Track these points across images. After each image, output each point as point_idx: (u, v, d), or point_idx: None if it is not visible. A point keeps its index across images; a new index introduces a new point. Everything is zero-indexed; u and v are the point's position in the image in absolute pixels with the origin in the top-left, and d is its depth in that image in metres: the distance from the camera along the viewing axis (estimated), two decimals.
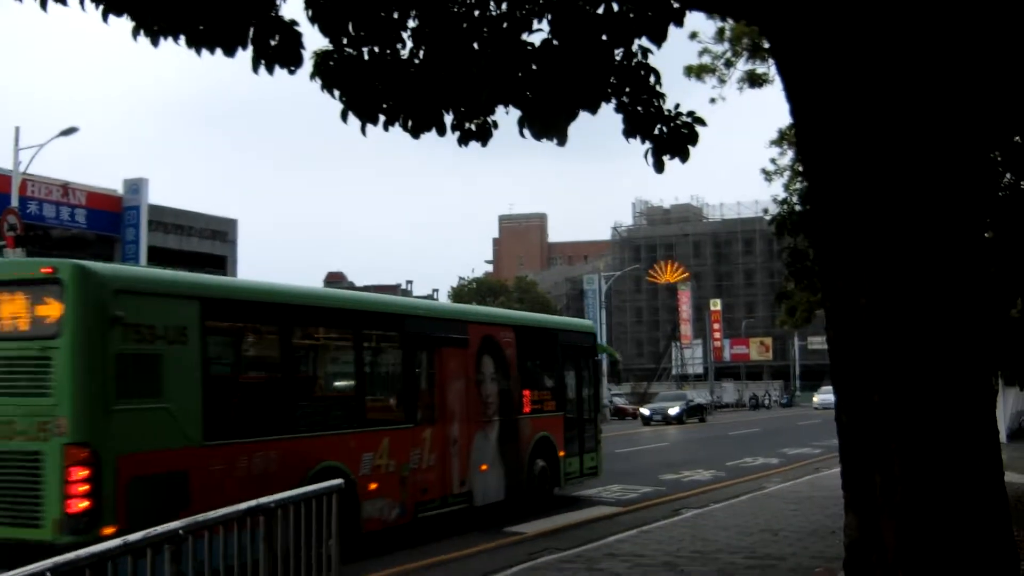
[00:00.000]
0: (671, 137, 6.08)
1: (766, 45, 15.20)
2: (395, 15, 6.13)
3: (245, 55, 5.93)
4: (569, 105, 5.38)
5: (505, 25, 5.87)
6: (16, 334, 9.56)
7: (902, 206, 4.18)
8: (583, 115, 5.66)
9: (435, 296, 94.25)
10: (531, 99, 5.38)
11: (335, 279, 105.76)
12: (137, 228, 34.43)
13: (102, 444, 9.14)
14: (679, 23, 5.79)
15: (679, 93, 6.08)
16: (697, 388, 77.64)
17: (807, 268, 15.61)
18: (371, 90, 6.08)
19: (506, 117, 6.21)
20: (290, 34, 5.99)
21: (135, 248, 34.22)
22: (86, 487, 8.94)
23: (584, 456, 17.95)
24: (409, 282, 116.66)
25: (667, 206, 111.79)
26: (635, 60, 5.94)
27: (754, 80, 16.38)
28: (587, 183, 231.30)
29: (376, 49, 6.14)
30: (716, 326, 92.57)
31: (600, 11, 5.65)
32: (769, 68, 16.19)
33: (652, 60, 6.04)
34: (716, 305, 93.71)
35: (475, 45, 5.91)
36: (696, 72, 16.22)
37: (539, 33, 5.67)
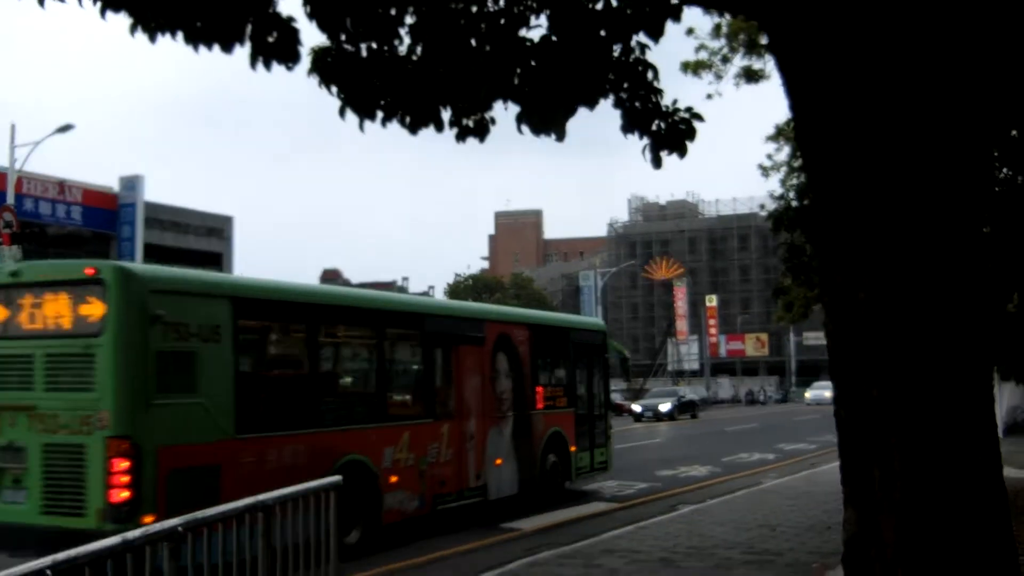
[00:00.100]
0: (669, 133, 6.06)
1: (763, 41, 15.20)
2: (392, 11, 6.13)
3: (242, 51, 5.93)
4: (568, 101, 5.38)
5: (503, 21, 5.86)
6: (60, 332, 10.08)
7: (901, 200, 4.18)
8: (579, 111, 5.66)
9: (431, 293, 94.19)
10: (530, 95, 5.37)
11: (331, 276, 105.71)
12: (133, 225, 34.40)
13: (143, 437, 9.60)
14: (676, 19, 5.79)
15: (675, 89, 6.07)
16: (693, 384, 77.71)
17: (804, 263, 15.65)
18: (369, 86, 6.08)
19: (503, 113, 6.21)
20: (287, 30, 5.97)
21: (131, 245, 34.20)
22: (127, 478, 9.38)
23: (595, 451, 18.41)
24: (405, 279, 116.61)
25: (663, 202, 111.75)
26: (633, 56, 5.93)
27: (751, 76, 16.40)
28: (583, 180, 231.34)
29: (374, 45, 6.13)
30: (712, 322, 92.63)
31: (598, 7, 5.65)
32: (766, 64, 16.22)
33: (649, 56, 6.04)
34: (712, 301, 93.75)
35: (472, 42, 5.91)
36: (693, 68, 16.24)
37: (538, 29, 5.67)
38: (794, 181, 17.46)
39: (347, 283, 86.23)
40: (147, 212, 35.02)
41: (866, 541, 4.24)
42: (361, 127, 6.15)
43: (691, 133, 6.11)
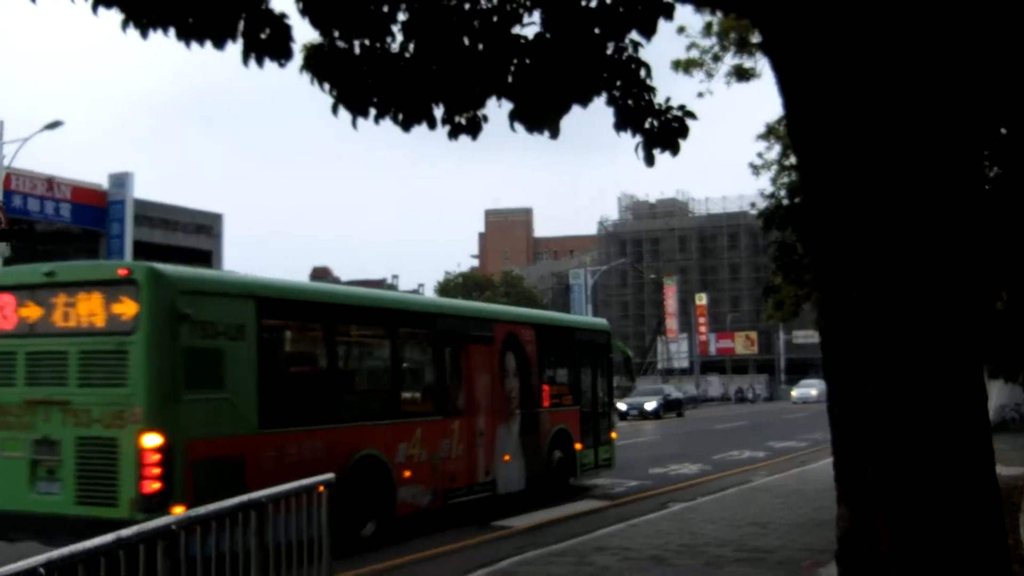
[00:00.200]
0: (662, 131, 6.06)
1: (754, 39, 15.22)
2: (385, 8, 6.12)
3: (234, 48, 5.91)
4: (562, 98, 5.38)
5: (495, 19, 5.86)
6: (93, 330, 10.47)
7: (895, 198, 4.18)
8: (571, 109, 5.66)
9: (421, 291, 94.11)
10: (524, 92, 5.37)
11: (321, 274, 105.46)
12: (122, 223, 34.30)
13: (173, 431, 10.01)
14: (669, 16, 5.79)
15: (666, 87, 6.08)
16: (683, 382, 77.79)
17: (795, 262, 15.68)
18: (362, 83, 6.07)
19: (494, 111, 6.21)
20: (280, 27, 5.96)
21: (120, 243, 34.10)
22: (159, 470, 9.81)
23: (599, 448, 18.91)
24: (395, 277, 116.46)
25: (653, 200, 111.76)
26: (626, 54, 5.94)
27: (741, 74, 16.41)
28: (573, 178, 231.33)
29: (367, 42, 6.12)
30: (702, 320, 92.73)
31: (591, 4, 5.65)
32: (757, 62, 16.23)
33: (640, 54, 6.04)
34: (702, 299, 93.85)
35: (465, 40, 5.90)
36: (684, 66, 16.24)
37: (532, 27, 5.67)
38: (785, 180, 17.48)
39: (337, 281, 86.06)
40: (136, 209, 34.91)
41: (859, 538, 4.24)
42: (354, 124, 6.14)
43: (684, 131, 6.11)
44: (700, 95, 16.70)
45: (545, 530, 13.74)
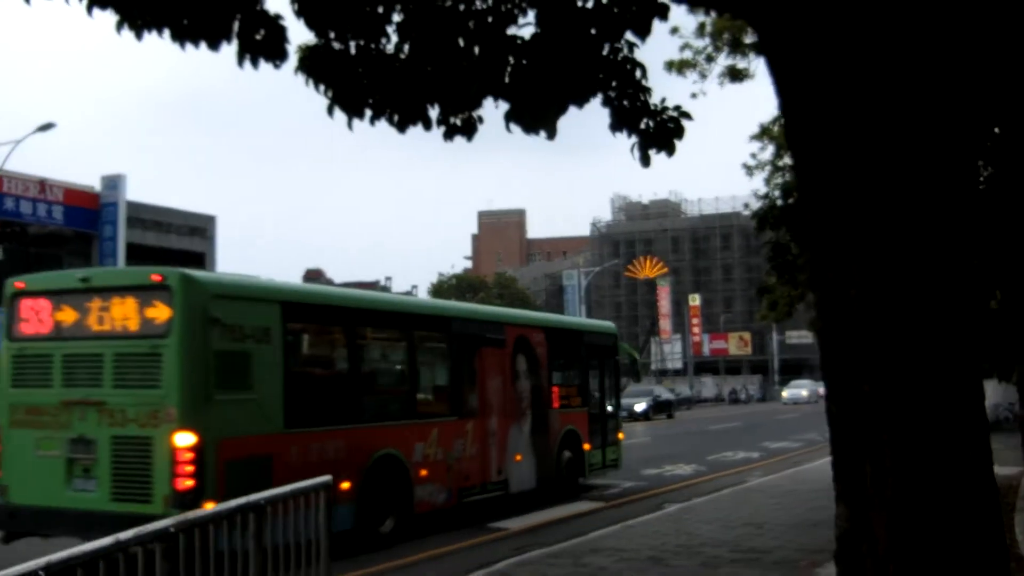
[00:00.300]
0: (657, 131, 6.06)
1: (747, 40, 15.25)
2: (380, 9, 6.11)
3: (229, 49, 5.90)
4: (559, 99, 5.38)
5: (490, 19, 5.86)
6: (127, 333, 10.86)
7: (892, 198, 4.19)
8: (567, 110, 5.66)
9: (414, 292, 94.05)
10: (521, 93, 5.37)
11: (314, 276, 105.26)
12: (115, 225, 34.22)
13: (205, 430, 10.36)
14: (664, 17, 5.80)
15: (660, 88, 6.08)
16: (677, 383, 77.83)
17: (789, 262, 15.71)
18: (357, 84, 6.06)
19: (488, 112, 6.20)
20: (275, 28, 5.95)
21: (112, 245, 34.02)
22: (192, 467, 10.18)
23: (607, 449, 19.19)
24: (388, 278, 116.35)
25: (645, 201, 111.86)
26: (621, 54, 5.94)
27: (735, 75, 16.45)
28: (565, 179, 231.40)
29: (362, 43, 6.12)
30: (695, 321, 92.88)
31: (586, 5, 5.65)
32: (750, 63, 16.28)
33: (635, 55, 6.04)
34: (695, 300, 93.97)
35: (460, 40, 5.90)
36: (677, 67, 16.28)
37: (528, 28, 5.67)
38: (779, 180, 17.53)
39: (330, 283, 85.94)
40: (129, 211, 34.82)
41: (858, 537, 4.24)
42: (350, 125, 6.13)
43: (679, 131, 6.11)
44: (693, 96, 16.76)
45: (541, 531, 13.74)
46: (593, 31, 5.58)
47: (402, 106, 6.13)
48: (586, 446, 18.20)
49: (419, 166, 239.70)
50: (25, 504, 11.07)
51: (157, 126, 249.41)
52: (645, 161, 6.08)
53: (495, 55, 5.51)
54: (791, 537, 12.09)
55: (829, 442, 4.43)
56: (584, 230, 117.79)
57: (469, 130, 6.34)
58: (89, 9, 5.57)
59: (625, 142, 6.11)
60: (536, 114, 5.35)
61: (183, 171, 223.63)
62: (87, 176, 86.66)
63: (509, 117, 5.45)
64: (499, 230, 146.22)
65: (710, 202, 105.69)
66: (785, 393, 74.80)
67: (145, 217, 36.43)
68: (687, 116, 6.11)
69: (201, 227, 39.44)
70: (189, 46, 5.79)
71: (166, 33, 5.74)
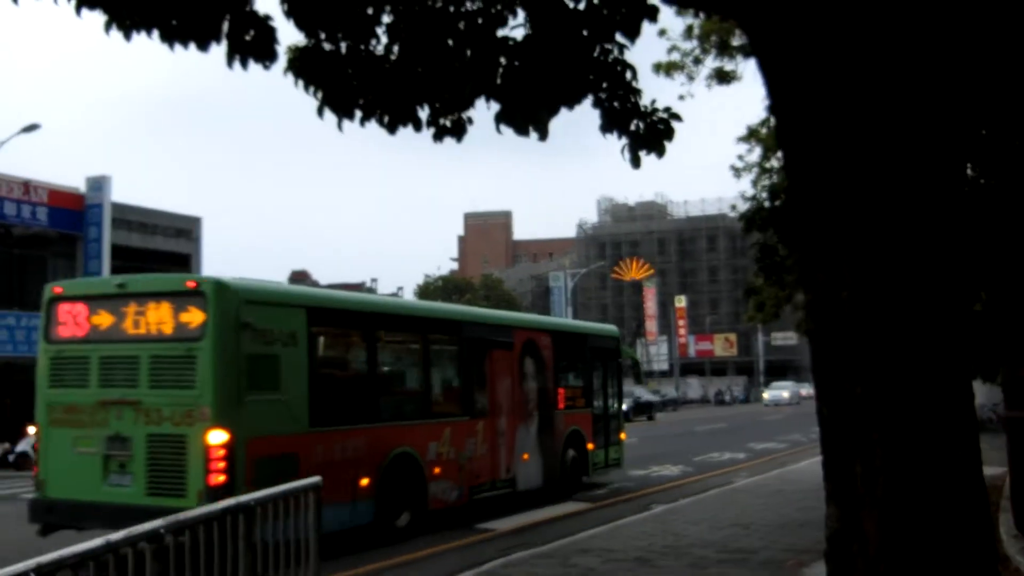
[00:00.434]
0: (648, 132, 6.09)
1: (735, 42, 15.30)
2: (369, 10, 6.11)
3: (218, 50, 5.89)
4: (551, 100, 5.39)
5: (480, 21, 5.87)
6: (162, 336, 11.44)
7: (882, 199, 4.21)
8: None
9: (400, 294, 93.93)
10: (513, 94, 5.38)
11: (300, 277, 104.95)
12: (100, 226, 34.00)
13: (237, 429, 10.93)
14: (653, 19, 5.82)
15: (648, 90, 6.09)
16: (663, 384, 77.92)
17: (776, 263, 15.75)
18: (347, 85, 6.06)
19: (476, 114, 6.22)
20: (264, 29, 5.95)
21: (97, 247, 33.82)
22: (224, 464, 10.75)
23: (609, 448, 19.81)
24: (374, 280, 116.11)
25: (632, 203, 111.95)
26: (612, 56, 5.96)
27: (722, 77, 16.50)
28: (551, 181, 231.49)
29: (352, 44, 6.12)
30: (681, 322, 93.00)
31: (577, 7, 5.67)
32: (737, 65, 16.32)
33: (624, 56, 6.05)
34: (681, 302, 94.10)
35: (450, 42, 5.90)
36: (665, 69, 16.32)
37: (519, 29, 5.68)
38: (766, 182, 17.58)
39: (316, 284, 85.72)
40: (114, 213, 34.60)
41: (848, 537, 4.26)
42: (340, 126, 6.14)
43: (669, 133, 6.14)
44: (681, 98, 16.80)
45: (529, 532, 13.74)
46: (584, 32, 5.60)
47: (392, 107, 6.14)
48: (590, 446, 18.76)
49: (405, 168, 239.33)
50: (62, 498, 11.69)
51: (143, 128, 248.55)
52: (635, 162, 6.10)
53: (487, 56, 5.52)
54: (778, 537, 12.12)
55: (820, 442, 4.45)
56: (570, 232, 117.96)
57: (459, 131, 6.37)
58: (78, 9, 5.56)
59: (612, 144, 6.19)
60: (528, 115, 5.37)
61: (169, 173, 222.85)
62: (71, 177, 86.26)
63: (500, 118, 5.46)
64: (485, 232, 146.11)
65: (696, 204, 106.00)
66: (766, 395, 74.98)
67: (130, 218, 36.25)
68: (677, 118, 6.13)
69: (187, 229, 39.25)
70: (178, 47, 5.78)
71: (155, 34, 5.74)
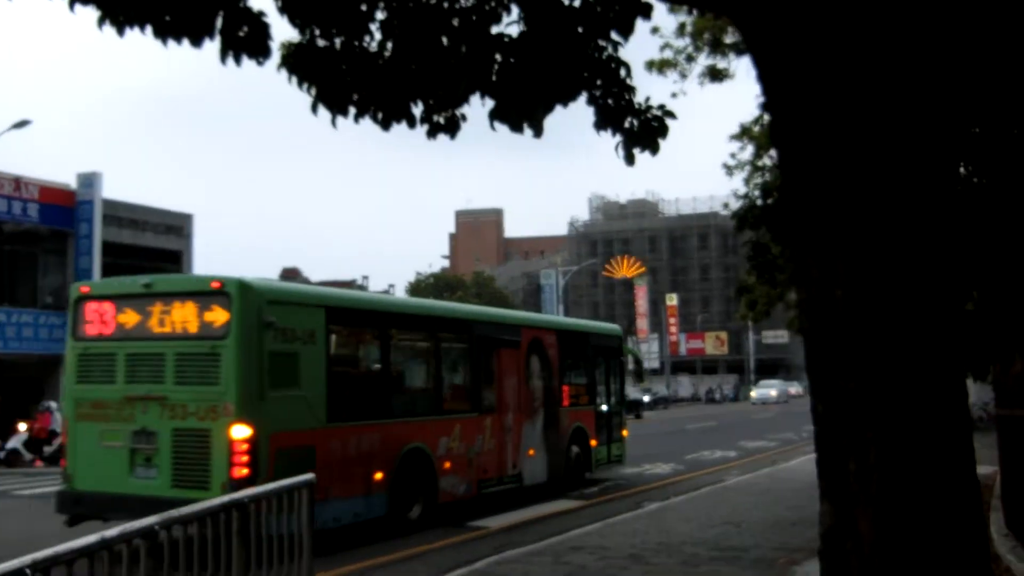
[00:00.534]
0: (642, 130, 6.09)
1: (727, 40, 15.31)
2: (363, 7, 6.10)
3: (212, 46, 5.87)
4: (546, 97, 5.39)
5: (474, 18, 5.86)
6: (187, 335, 11.85)
7: (877, 196, 4.22)
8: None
9: (391, 291, 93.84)
10: (508, 90, 5.37)
11: (290, 275, 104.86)
12: (91, 223, 33.86)
13: (259, 424, 11.33)
14: (647, 16, 5.82)
15: (640, 88, 6.09)
16: (653, 382, 78.02)
17: (769, 262, 15.76)
18: (341, 82, 6.05)
19: (469, 111, 6.21)
20: (258, 24, 5.93)
21: (88, 243, 33.68)
22: (247, 457, 11.14)
23: (612, 445, 20.29)
24: (365, 277, 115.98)
25: (623, 201, 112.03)
26: (606, 53, 5.96)
27: (715, 75, 16.51)
28: (543, 179, 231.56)
29: (346, 40, 6.11)
30: (672, 320, 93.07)
31: (571, 4, 5.66)
32: (730, 63, 16.33)
33: (618, 53, 6.05)
34: (672, 300, 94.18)
35: (444, 39, 5.90)
36: (658, 67, 16.32)
37: (514, 26, 5.67)
38: (758, 180, 17.60)
39: (307, 281, 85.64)
40: (105, 209, 34.47)
41: (843, 534, 4.27)
42: (334, 123, 6.14)
43: (663, 130, 6.14)
44: (674, 95, 16.80)
45: (521, 530, 13.73)
46: (579, 30, 5.60)
47: (386, 104, 6.13)
48: (593, 442, 19.22)
49: (396, 167, 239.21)
50: (89, 491, 12.10)
51: (136, 125, 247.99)
52: (630, 160, 6.10)
53: (482, 53, 5.51)
54: (769, 536, 12.14)
55: (814, 439, 4.45)
56: (561, 229, 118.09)
57: (452, 128, 6.37)
58: (71, 5, 5.54)
59: (604, 141, 6.13)
60: (523, 112, 5.36)
61: (161, 170, 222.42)
62: (62, 174, 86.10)
63: (494, 115, 5.45)
64: (476, 229, 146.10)
65: (687, 202, 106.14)
66: (754, 393, 75.12)
67: (121, 215, 36.10)
68: (671, 115, 6.13)
69: (177, 225, 39.11)
70: (172, 43, 5.76)
71: (148, 29, 5.72)
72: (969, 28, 4.54)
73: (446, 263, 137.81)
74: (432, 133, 6.38)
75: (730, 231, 69.87)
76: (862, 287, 4.20)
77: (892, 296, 4.16)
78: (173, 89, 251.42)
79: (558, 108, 5.66)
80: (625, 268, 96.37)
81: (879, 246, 4.19)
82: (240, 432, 11.19)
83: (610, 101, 6.01)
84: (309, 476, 7.11)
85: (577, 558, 10.83)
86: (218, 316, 11.63)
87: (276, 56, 6.03)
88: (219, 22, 5.82)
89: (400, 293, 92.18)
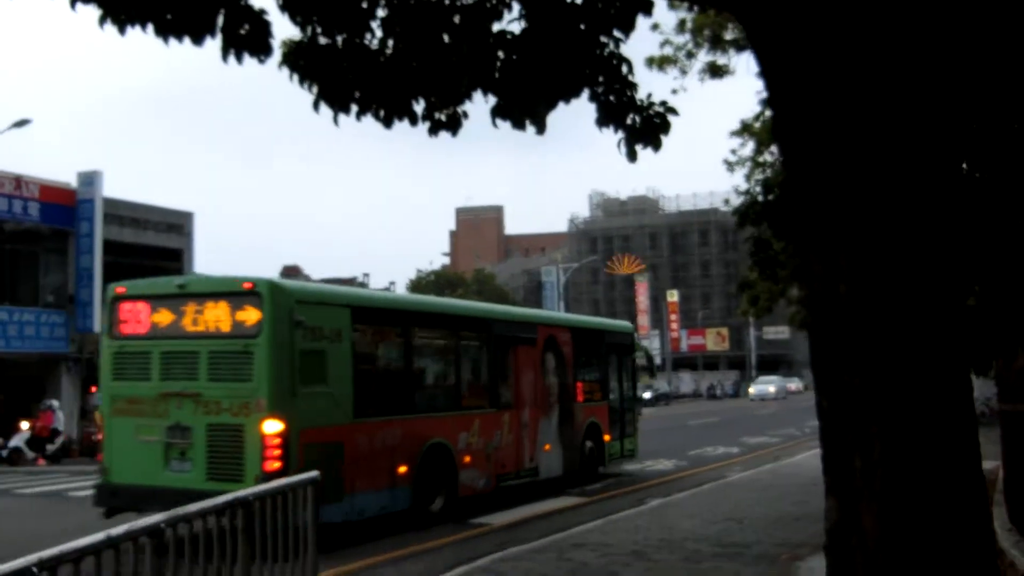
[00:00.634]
0: (644, 126, 6.08)
1: (728, 36, 15.30)
2: (364, 4, 6.10)
3: (213, 44, 5.87)
4: (549, 94, 5.38)
5: (476, 15, 5.85)
6: (221, 333, 12.27)
7: (880, 192, 4.21)
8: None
9: (392, 289, 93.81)
10: (511, 87, 5.37)
11: (291, 272, 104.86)
12: (91, 222, 33.83)
13: (290, 419, 11.74)
14: (648, 12, 5.82)
15: (641, 84, 6.09)
16: (655, 379, 77.90)
17: (770, 258, 15.76)
18: (343, 79, 6.05)
19: (471, 108, 6.20)
20: (259, 22, 5.92)
21: (89, 242, 33.65)
22: (279, 451, 11.55)
23: (624, 440, 20.74)
24: (366, 275, 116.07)
25: (624, 198, 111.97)
26: (608, 50, 5.95)
27: (715, 71, 16.50)
28: (543, 176, 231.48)
29: (347, 38, 6.10)
30: (673, 317, 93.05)
31: (573, 1, 5.66)
32: (730, 59, 16.32)
33: (620, 50, 6.05)
34: (673, 296, 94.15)
35: (445, 36, 5.89)
36: (658, 63, 16.31)
37: (515, 23, 5.67)
38: (759, 176, 17.58)
39: (308, 279, 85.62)
40: (106, 208, 34.42)
41: (847, 530, 4.27)
42: (335, 120, 6.13)
43: (665, 127, 6.13)
44: (674, 92, 16.77)
45: (523, 527, 13.75)
46: (581, 26, 5.59)
47: (388, 101, 6.12)
48: (606, 437, 19.69)
49: (397, 163, 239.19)
50: (125, 483, 12.54)
51: (137, 124, 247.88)
52: (632, 156, 6.09)
53: (484, 50, 5.51)
54: (772, 532, 12.15)
55: (819, 435, 4.45)
56: (562, 226, 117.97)
57: (454, 125, 6.35)
58: (73, 3, 5.54)
59: (604, 138, 6.13)
60: (526, 109, 5.37)
61: (162, 169, 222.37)
62: (63, 172, 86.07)
63: (497, 112, 5.45)
64: (477, 226, 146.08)
65: (688, 198, 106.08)
66: (752, 389, 75.15)
67: (122, 214, 36.05)
68: (673, 111, 6.12)
69: (178, 224, 39.06)
70: (173, 41, 5.76)
71: (150, 28, 5.71)
72: (971, 24, 4.54)
73: (447, 260, 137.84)
74: (434, 130, 6.36)
75: (731, 227, 69.81)
76: (865, 282, 4.19)
77: (895, 291, 4.16)
78: (173, 88, 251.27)
79: (570, 103, 5.68)
80: (625, 265, 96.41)
81: (882, 241, 4.18)
82: (272, 427, 11.56)
83: (612, 98, 6.00)
84: (313, 474, 7.11)
85: (579, 555, 10.84)
86: (250, 315, 12.02)
87: (277, 54, 6.03)
88: (220, 20, 5.81)
89: (401, 290, 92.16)
